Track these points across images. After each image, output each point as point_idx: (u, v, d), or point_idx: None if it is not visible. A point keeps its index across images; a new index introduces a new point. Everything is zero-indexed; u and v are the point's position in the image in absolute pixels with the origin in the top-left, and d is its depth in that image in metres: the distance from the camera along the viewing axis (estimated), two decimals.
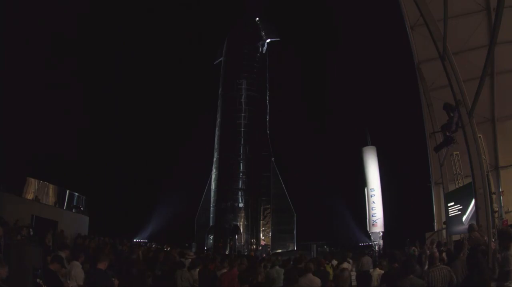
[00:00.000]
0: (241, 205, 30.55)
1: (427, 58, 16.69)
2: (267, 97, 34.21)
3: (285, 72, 36.06)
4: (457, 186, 14.68)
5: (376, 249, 26.15)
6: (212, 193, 31.83)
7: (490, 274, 5.69)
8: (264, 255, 22.60)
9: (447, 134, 12.74)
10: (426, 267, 7.99)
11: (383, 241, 27.37)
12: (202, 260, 8.90)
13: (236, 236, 29.16)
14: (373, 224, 28.73)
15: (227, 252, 25.39)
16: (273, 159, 32.54)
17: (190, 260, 8.86)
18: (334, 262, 10.32)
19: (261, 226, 31.69)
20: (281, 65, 35.00)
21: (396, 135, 29.95)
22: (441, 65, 10.65)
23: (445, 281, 5.22)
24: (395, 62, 26.94)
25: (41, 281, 4.78)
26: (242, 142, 31.53)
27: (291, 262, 9.25)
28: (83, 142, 30.44)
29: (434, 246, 10.53)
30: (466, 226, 11.18)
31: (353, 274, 10.37)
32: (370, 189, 29.42)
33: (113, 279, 5.48)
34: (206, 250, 27.16)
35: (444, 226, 15.89)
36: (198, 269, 7.86)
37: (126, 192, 32.83)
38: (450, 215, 14.16)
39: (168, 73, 38.42)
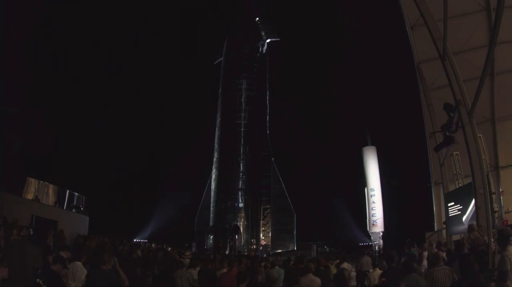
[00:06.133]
0: (241, 205, 30.57)
1: (427, 58, 16.67)
2: (267, 97, 34.22)
3: (285, 72, 36.12)
4: (457, 186, 14.66)
5: (376, 249, 26.16)
6: (212, 193, 31.84)
7: (483, 278, 5.72)
8: (265, 255, 22.61)
9: (447, 134, 12.74)
10: (425, 267, 8.01)
11: (383, 241, 27.36)
12: (201, 260, 8.89)
13: (236, 236, 29.18)
14: (373, 224, 28.72)
15: (227, 252, 25.40)
16: (273, 159, 32.56)
17: (188, 260, 8.86)
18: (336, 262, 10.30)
19: (261, 226, 31.71)
20: (281, 65, 35.08)
21: (396, 135, 29.96)
22: (441, 65, 10.65)
23: (448, 281, 5.28)
24: (395, 62, 26.95)
25: (41, 281, 4.78)
26: (242, 142, 31.55)
27: (292, 262, 9.24)
28: (84, 142, 30.45)
29: (434, 246, 10.54)
30: (466, 226, 11.18)
31: (353, 274, 10.40)
32: (370, 189, 29.41)
33: None
34: (205, 250, 27.17)
35: (444, 226, 15.89)
36: (198, 269, 7.85)
37: (126, 192, 32.86)
38: (450, 215, 14.16)
39: (168, 73, 38.43)
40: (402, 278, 5.09)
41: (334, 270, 8.57)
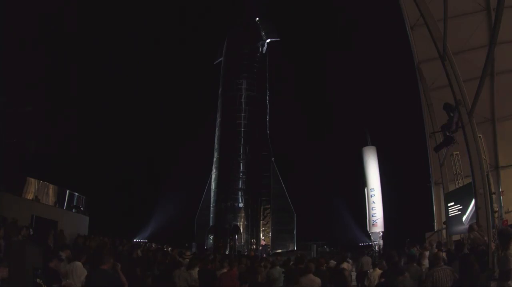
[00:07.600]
0: (241, 205, 30.55)
1: (427, 58, 16.68)
2: (267, 97, 34.21)
3: (285, 72, 36.10)
4: (457, 186, 14.67)
5: (376, 249, 26.16)
6: (212, 193, 31.82)
7: (484, 277, 5.73)
8: (265, 255, 22.61)
9: (447, 134, 12.75)
10: (426, 267, 8.01)
11: (383, 241, 27.37)
12: (200, 260, 8.89)
13: (236, 236, 29.17)
14: (373, 224, 28.72)
15: (227, 252, 25.41)
16: (273, 159, 32.55)
17: (188, 260, 8.86)
18: (332, 263, 10.30)
19: (261, 226, 31.70)
20: (281, 65, 35.07)
21: (396, 135, 29.93)
22: (441, 65, 10.66)
23: (449, 281, 5.29)
24: (395, 62, 26.94)
25: (41, 281, 4.78)
26: (242, 142, 31.53)
27: (291, 262, 9.24)
28: (84, 142, 30.44)
29: (434, 246, 10.55)
30: (466, 226, 11.18)
31: (353, 274, 10.41)
32: (370, 189, 29.41)
33: None
34: (206, 250, 27.19)
35: (444, 226, 15.89)
36: (197, 269, 7.85)
37: (126, 192, 32.86)
38: (450, 215, 14.16)
39: (168, 73, 38.42)
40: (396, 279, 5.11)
41: None
